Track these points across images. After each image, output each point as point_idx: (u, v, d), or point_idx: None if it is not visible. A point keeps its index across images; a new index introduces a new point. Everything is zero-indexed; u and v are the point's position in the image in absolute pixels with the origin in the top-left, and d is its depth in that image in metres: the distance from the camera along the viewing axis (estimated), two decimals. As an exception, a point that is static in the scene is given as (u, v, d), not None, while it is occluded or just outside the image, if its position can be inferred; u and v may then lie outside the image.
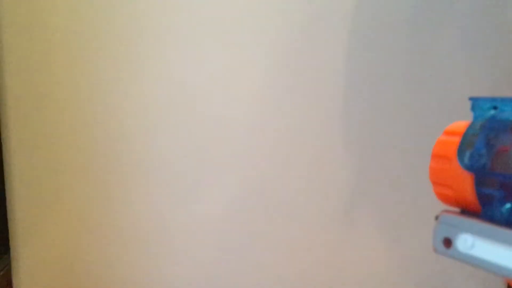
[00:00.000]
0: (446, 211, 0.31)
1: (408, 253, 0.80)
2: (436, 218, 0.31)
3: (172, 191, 0.76)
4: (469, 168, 0.30)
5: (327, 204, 0.78)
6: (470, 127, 0.31)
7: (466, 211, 0.31)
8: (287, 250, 0.79)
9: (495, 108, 0.31)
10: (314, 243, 0.79)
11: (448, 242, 0.30)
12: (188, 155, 0.76)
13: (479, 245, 0.29)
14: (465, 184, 0.30)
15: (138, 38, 0.73)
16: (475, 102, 0.32)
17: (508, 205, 0.28)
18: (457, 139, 0.31)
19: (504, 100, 0.31)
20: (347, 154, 0.77)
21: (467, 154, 0.30)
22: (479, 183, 0.30)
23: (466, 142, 0.30)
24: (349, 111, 0.77)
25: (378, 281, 0.81)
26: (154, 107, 0.74)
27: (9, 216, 0.76)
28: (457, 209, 0.31)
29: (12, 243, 0.77)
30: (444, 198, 0.31)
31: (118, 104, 0.74)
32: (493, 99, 0.31)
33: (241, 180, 0.77)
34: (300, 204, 0.78)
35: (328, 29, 0.74)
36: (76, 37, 0.72)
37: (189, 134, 0.75)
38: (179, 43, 0.73)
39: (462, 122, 0.32)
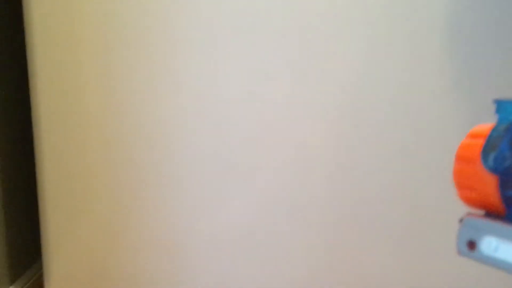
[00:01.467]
0: (470, 213, 0.31)
1: (422, 256, 0.79)
2: (461, 220, 0.31)
3: (197, 198, 0.77)
4: (493, 170, 0.30)
5: (351, 209, 0.78)
6: (495, 129, 0.31)
7: (490, 214, 0.30)
8: (308, 256, 0.79)
9: (520, 110, 0.31)
10: (335, 247, 0.79)
11: (472, 245, 0.30)
12: (212, 163, 0.76)
13: (504, 247, 0.28)
14: (489, 187, 0.30)
15: (168, 43, 0.74)
16: (500, 104, 0.32)
17: (532, 208, 0.28)
18: (481, 142, 0.31)
19: (529, 102, 0.30)
20: (363, 157, 0.77)
21: (491, 156, 0.30)
22: (503, 185, 0.29)
23: (490, 144, 0.30)
24: (359, 112, 0.76)
25: (395, 284, 0.80)
26: (181, 114, 0.75)
27: (41, 222, 0.78)
28: (481, 212, 0.31)
29: (44, 249, 0.79)
30: (468, 201, 0.31)
31: (147, 112, 0.75)
32: (519, 102, 0.31)
33: (264, 188, 0.77)
34: (321, 209, 0.78)
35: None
36: (105, 40, 0.74)
37: (213, 141, 0.76)
38: (207, 48, 0.74)
39: (486, 124, 0.32)
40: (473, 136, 0.32)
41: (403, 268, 0.80)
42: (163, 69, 0.74)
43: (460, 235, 0.31)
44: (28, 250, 0.85)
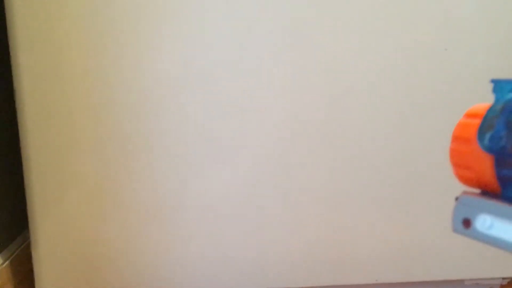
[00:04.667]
0: (466, 192, 0.31)
1: (416, 231, 0.81)
2: (456, 199, 0.32)
3: (187, 167, 0.77)
4: (489, 149, 0.30)
5: (339, 182, 0.79)
6: (491, 109, 0.31)
7: (486, 192, 0.31)
8: (298, 227, 0.80)
9: (516, 90, 0.31)
10: (324, 220, 0.80)
11: (467, 223, 0.31)
12: (203, 131, 0.76)
13: (498, 225, 0.29)
14: (485, 166, 0.30)
15: (151, 14, 0.73)
16: (497, 84, 0.32)
17: (527, 186, 0.29)
18: (477, 121, 0.31)
19: (525, 82, 0.31)
20: (355, 132, 0.77)
21: (487, 136, 0.30)
22: (499, 164, 0.30)
23: (486, 124, 0.31)
24: (350, 79, 0.77)
25: (387, 258, 0.81)
26: (169, 84, 0.75)
27: (27, 192, 0.78)
28: (477, 191, 0.32)
29: (31, 219, 0.79)
30: (464, 180, 0.32)
31: (132, 82, 0.75)
32: (515, 81, 0.31)
33: (254, 156, 0.78)
34: (312, 181, 0.79)
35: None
36: (86, 10, 0.73)
37: (204, 109, 0.76)
38: (192, 17, 0.74)
39: (483, 104, 0.32)
40: (470, 115, 0.32)
41: (397, 238, 0.82)
42: (147, 36, 0.74)
43: (455, 213, 0.32)
44: (14, 220, 0.86)
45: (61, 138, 0.76)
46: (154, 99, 0.75)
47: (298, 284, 0.82)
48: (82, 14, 0.73)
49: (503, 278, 0.85)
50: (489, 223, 0.30)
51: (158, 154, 0.77)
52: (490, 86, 0.33)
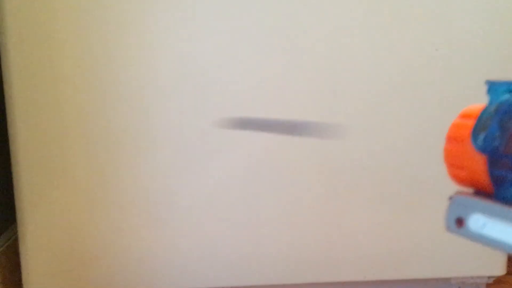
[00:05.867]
0: (459, 192, 0.32)
1: (403, 229, 0.81)
2: (450, 198, 0.32)
3: (179, 161, 0.77)
4: (482, 150, 0.31)
5: (330, 180, 0.79)
6: (485, 110, 0.32)
7: (479, 192, 0.31)
8: (288, 224, 0.81)
9: (510, 91, 0.32)
10: (313, 218, 0.80)
11: (460, 222, 0.31)
12: (197, 124, 0.76)
13: (490, 225, 0.30)
14: (479, 166, 0.31)
15: (144, 12, 0.73)
16: (491, 86, 0.32)
17: (520, 186, 0.29)
18: (471, 122, 0.32)
19: (519, 84, 0.31)
20: (347, 130, 0.78)
21: (481, 136, 0.31)
22: (492, 164, 0.30)
23: (480, 124, 0.31)
24: (352, 72, 0.77)
25: (374, 256, 0.82)
26: (162, 75, 0.75)
27: (15, 186, 0.77)
28: (470, 190, 0.32)
29: (19, 213, 0.78)
30: (459, 179, 0.32)
31: (125, 71, 0.74)
32: (509, 83, 0.32)
33: (248, 150, 0.78)
34: (307, 175, 0.79)
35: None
36: (77, 7, 0.73)
37: (198, 102, 0.76)
38: (185, 19, 0.74)
39: (477, 105, 0.32)
40: (464, 116, 0.32)
41: (384, 237, 0.82)
42: (139, 33, 0.73)
43: (448, 212, 0.32)
44: (2, 214, 0.85)
45: (50, 132, 0.75)
46: (146, 96, 0.75)
47: (283, 281, 0.83)
48: (73, 11, 0.72)
49: (489, 277, 0.86)
50: (481, 222, 0.30)
51: (149, 151, 0.76)
52: (485, 87, 0.34)
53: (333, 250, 0.82)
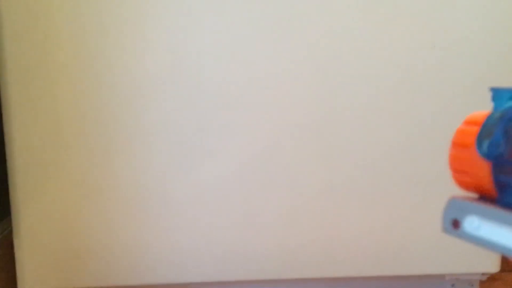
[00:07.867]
0: (457, 196, 0.32)
1: (397, 226, 0.82)
2: (448, 200, 0.33)
3: (175, 155, 0.77)
4: (487, 156, 0.31)
5: (324, 176, 0.80)
6: (490, 117, 0.32)
7: (483, 197, 0.32)
8: (291, 217, 0.81)
9: (515, 99, 0.32)
10: (313, 210, 0.81)
11: (456, 224, 0.32)
12: (193, 119, 0.76)
13: (485, 227, 0.30)
14: (483, 172, 0.31)
15: (139, 10, 0.73)
16: (496, 92, 0.33)
17: (523, 192, 0.30)
18: (476, 129, 0.32)
19: (524, 91, 0.32)
20: (344, 127, 0.78)
21: (486, 143, 0.31)
22: (496, 171, 0.31)
23: (485, 131, 0.32)
24: (352, 70, 0.77)
25: (368, 252, 0.83)
26: (158, 69, 0.75)
27: (10, 178, 0.77)
28: (474, 195, 0.33)
29: (13, 206, 0.78)
30: (463, 185, 0.33)
31: (120, 69, 0.74)
32: (514, 90, 0.32)
33: (245, 147, 0.78)
34: (305, 171, 0.79)
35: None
36: (72, 5, 0.72)
37: (194, 97, 0.76)
38: (179, 16, 0.74)
39: (482, 112, 0.33)
40: (469, 123, 0.33)
41: (378, 233, 0.83)
42: (134, 30, 0.73)
43: (445, 213, 0.33)
44: None
45: (45, 127, 0.75)
46: (139, 92, 0.75)
47: (279, 276, 0.83)
48: (69, 9, 0.72)
49: (483, 274, 0.87)
50: (477, 224, 0.31)
51: (144, 146, 0.77)
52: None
53: (327, 246, 0.83)
